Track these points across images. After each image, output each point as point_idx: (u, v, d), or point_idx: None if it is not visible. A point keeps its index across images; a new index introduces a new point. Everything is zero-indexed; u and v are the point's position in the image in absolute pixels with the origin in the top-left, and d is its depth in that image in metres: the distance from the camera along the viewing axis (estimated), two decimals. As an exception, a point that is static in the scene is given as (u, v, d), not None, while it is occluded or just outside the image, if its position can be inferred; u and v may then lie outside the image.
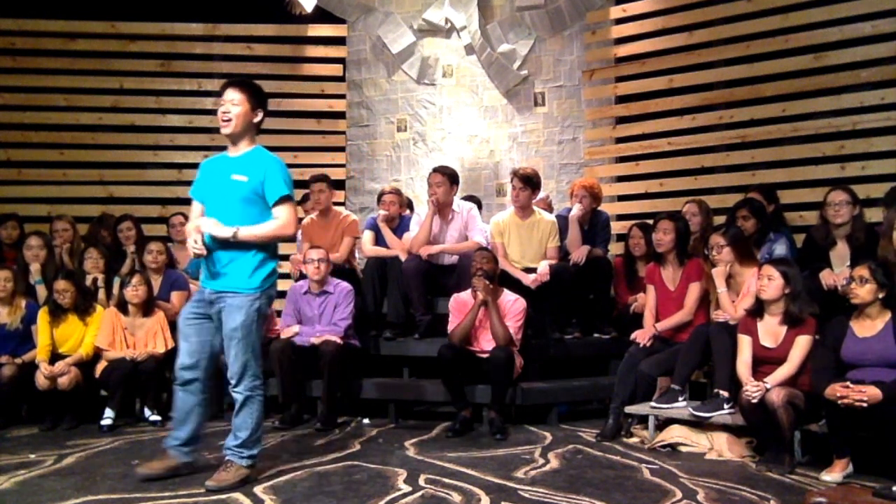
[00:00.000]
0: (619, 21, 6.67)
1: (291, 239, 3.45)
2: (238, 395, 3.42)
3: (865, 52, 5.47)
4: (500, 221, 5.32)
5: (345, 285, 4.99)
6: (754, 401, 3.70)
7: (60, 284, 4.89)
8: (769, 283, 3.91)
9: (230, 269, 3.37)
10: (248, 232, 3.33)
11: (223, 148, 3.57)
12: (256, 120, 3.43)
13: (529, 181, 5.20)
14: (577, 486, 3.40)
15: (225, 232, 3.30)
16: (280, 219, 3.39)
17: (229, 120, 3.34)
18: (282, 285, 5.99)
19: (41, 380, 4.63)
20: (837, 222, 4.40)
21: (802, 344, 3.81)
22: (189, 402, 3.48)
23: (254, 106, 3.39)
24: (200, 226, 3.34)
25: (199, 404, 3.50)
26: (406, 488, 3.34)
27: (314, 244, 5.17)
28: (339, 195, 6.62)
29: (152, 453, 3.99)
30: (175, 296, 5.20)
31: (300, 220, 5.77)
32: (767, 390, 3.69)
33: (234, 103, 3.34)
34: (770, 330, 3.93)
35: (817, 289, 4.21)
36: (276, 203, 3.38)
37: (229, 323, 3.37)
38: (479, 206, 5.84)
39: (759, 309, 3.98)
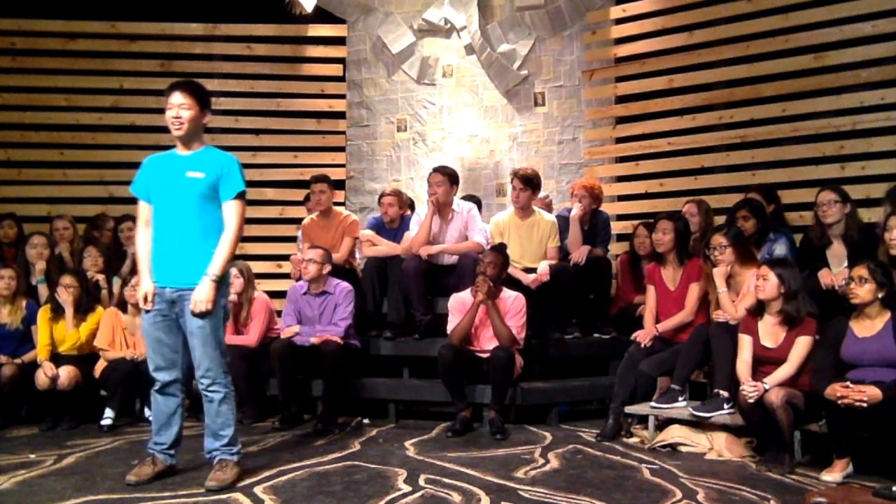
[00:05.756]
0: (619, 21, 6.66)
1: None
2: (216, 393, 3.42)
3: (865, 52, 5.46)
4: (500, 221, 5.33)
5: (345, 285, 4.99)
6: (751, 401, 3.70)
7: (66, 279, 4.90)
8: (764, 283, 3.91)
9: (192, 266, 3.37)
10: (219, 263, 3.35)
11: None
12: (206, 120, 3.50)
13: (530, 182, 5.20)
14: (577, 486, 3.40)
15: (210, 288, 3.31)
16: (231, 223, 3.41)
17: (182, 123, 3.39)
18: (282, 285, 6.06)
19: (41, 379, 4.63)
20: (828, 221, 4.44)
21: (802, 345, 3.80)
22: (171, 405, 3.48)
23: (202, 107, 3.45)
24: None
25: (180, 405, 3.50)
26: (406, 488, 3.34)
27: (314, 244, 5.17)
28: (339, 195, 6.62)
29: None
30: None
31: (300, 220, 5.81)
32: (766, 391, 3.70)
33: (183, 108, 3.39)
34: (770, 330, 3.93)
35: (816, 288, 4.21)
36: (231, 199, 3.41)
37: (196, 321, 3.36)
38: (479, 206, 5.83)
39: (759, 308, 3.98)
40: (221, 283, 3.39)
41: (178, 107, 3.38)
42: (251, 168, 6.90)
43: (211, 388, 3.42)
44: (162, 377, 3.45)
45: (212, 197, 3.40)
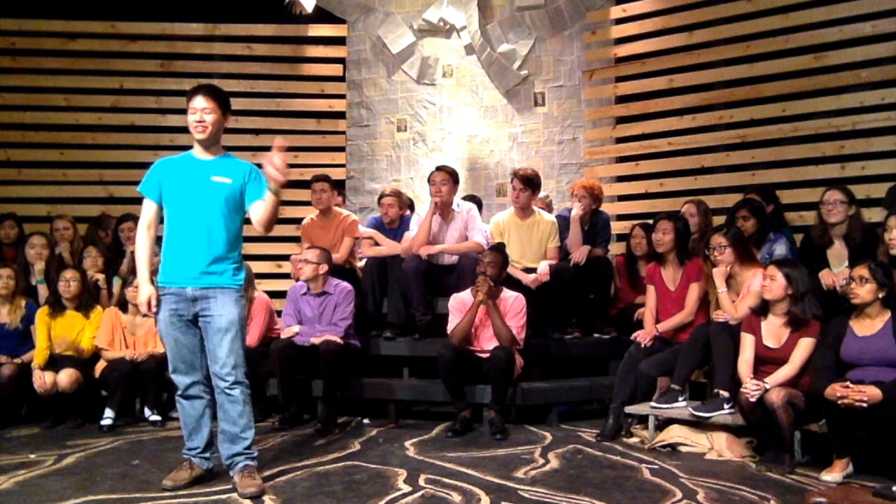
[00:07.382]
0: (619, 21, 6.67)
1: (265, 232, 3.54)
2: (239, 394, 3.39)
3: (865, 52, 5.47)
4: (500, 221, 5.33)
5: (344, 285, 4.99)
6: (752, 399, 3.70)
7: (68, 274, 4.90)
8: (772, 283, 3.90)
9: (215, 267, 3.37)
10: (273, 199, 3.35)
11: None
12: (227, 124, 3.50)
13: (530, 182, 5.20)
14: (577, 486, 3.40)
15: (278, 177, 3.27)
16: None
17: (205, 127, 3.38)
18: (282, 285, 6.06)
19: (38, 384, 4.63)
20: (831, 221, 4.44)
21: (805, 346, 3.80)
22: (197, 407, 3.45)
23: (224, 111, 3.45)
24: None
25: (207, 406, 3.47)
26: (406, 488, 3.34)
27: (314, 244, 5.17)
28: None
29: (153, 454, 4.01)
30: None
31: (301, 220, 5.81)
32: (767, 390, 3.70)
33: (206, 111, 3.38)
34: (773, 330, 3.92)
35: (817, 289, 4.21)
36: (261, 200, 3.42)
37: (224, 318, 3.34)
38: (480, 206, 5.84)
39: (763, 308, 3.97)
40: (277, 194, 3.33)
41: (202, 111, 3.37)
42: (251, 168, 6.92)
43: (234, 388, 3.37)
44: (181, 380, 3.42)
45: (235, 202, 3.41)
